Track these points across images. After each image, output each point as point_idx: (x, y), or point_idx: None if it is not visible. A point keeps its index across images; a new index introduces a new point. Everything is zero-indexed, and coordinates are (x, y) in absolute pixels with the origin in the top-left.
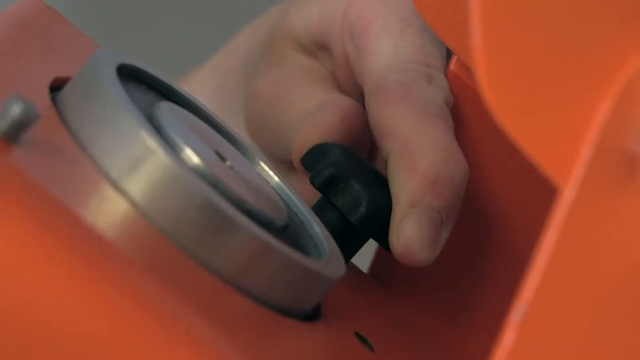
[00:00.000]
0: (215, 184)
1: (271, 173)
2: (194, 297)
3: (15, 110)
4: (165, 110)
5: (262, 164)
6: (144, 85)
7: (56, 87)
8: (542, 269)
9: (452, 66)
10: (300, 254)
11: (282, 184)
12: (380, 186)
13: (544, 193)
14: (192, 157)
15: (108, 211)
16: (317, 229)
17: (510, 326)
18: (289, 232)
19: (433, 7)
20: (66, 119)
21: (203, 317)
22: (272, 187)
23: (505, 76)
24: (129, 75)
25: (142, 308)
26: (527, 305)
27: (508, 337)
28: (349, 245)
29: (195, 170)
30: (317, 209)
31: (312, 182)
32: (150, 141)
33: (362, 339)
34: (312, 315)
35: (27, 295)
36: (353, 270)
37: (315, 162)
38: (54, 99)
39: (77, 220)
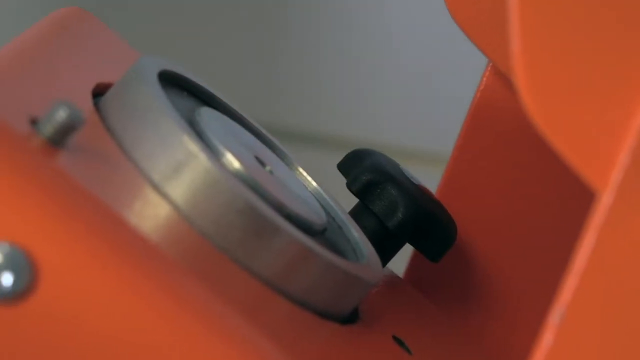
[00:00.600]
0: (256, 188)
1: (309, 178)
2: (236, 300)
3: (61, 115)
4: (206, 115)
5: (300, 170)
6: (185, 92)
7: (98, 92)
8: (579, 272)
9: (486, 73)
10: (339, 257)
11: (319, 189)
12: (415, 192)
13: (578, 197)
14: (233, 161)
15: (151, 215)
16: (355, 233)
17: (548, 328)
18: (327, 236)
19: (468, 14)
20: (109, 124)
21: (247, 320)
22: (310, 192)
23: (544, 82)
24: (170, 81)
25: (190, 311)
26: (565, 308)
27: (546, 339)
28: (385, 250)
29: (236, 174)
30: (354, 214)
31: (349, 188)
32: (192, 146)
33: (399, 342)
34: (350, 319)
35: (76, 298)
36: (389, 274)
37: (351, 168)
38: (96, 104)
39: (123, 223)
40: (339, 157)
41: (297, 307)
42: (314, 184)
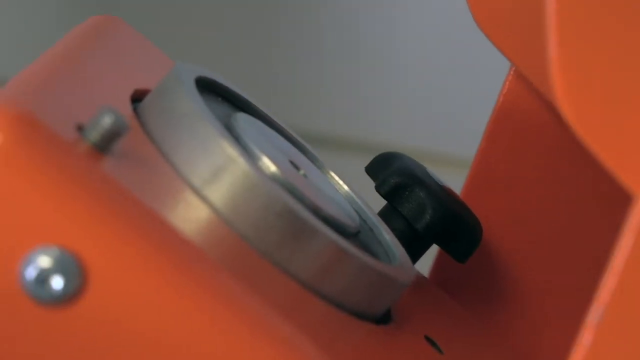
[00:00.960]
0: (293, 192)
1: (340, 182)
2: (275, 302)
3: (107, 121)
4: (241, 120)
5: (332, 173)
6: (219, 97)
7: (136, 98)
8: (618, 272)
9: (509, 77)
10: (374, 259)
11: (351, 192)
12: (442, 194)
13: (601, 197)
14: (270, 165)
15: (192, 218)
16: (386, 236)
17: (587, 328)
18: (360, 238)
19: (492, 19)
20: (148, 130)
21: (287, 321)
22: (341, 195)
23: (581, 86)
24: (205, 87)
25: (236, 312)
26: (604, 308)
27: (585, 339)
28: (413, 251)
29: (273, 178)
30: (382, 216)
31: (377, 191)
32: (231, 151)
33: (431, 342)
34: (383, 319)
35: (124, 301)
36: (416, 275)
37: (379, 171)
38: (134, 110)
39: (169, 227)
40: (361, 161)
41: (333, 308)
42: (346, 187)
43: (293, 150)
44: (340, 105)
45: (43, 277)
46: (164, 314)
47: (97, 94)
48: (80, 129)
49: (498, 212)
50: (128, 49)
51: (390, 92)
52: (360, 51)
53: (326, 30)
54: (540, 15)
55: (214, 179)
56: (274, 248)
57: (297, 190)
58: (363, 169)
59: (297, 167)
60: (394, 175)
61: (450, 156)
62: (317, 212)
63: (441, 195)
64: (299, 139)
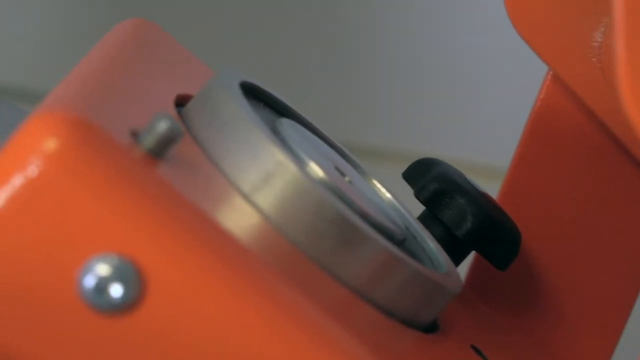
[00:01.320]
0: (342, 198)
1: (383, 189)
2: (327, 308)
3: (162, 126)
4: (286, 126)
5: (374, 180)
6: (261, 103)
7: (177, 103)
8: None
9: (546, 82)
10: (424, 266)
11: (393, 200)
12: (483, 200)
13: None
14: (318, 171)
15: (243, 225)
16: (430, 243)
17: None
18: (406, 245)
19: (529, 22)
20: (194, 135)
21: (345, 329)
22: (385, 202)
23: None
24: (248, 92)
25: (295, 320)
26: None
27: None
28: (452, 258)
29: (322, 184)
30: (421, 223)
31: (417, 197)
32: (281, 156)
33: (477, 351)
34: (430, 328)
35: (184, 308)
36: None
37: (418, 177)
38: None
39: (226, 234)
40: (391, 169)
41: (383, 316)
42: (388, 194)
43: (336, 156)
44: (370, 112)
45: (102, 286)
46: (224, 321)
47: (142, 99)
48: (134, 134)
49: (534, 219)
50: (165, 54)
51: (419, 99)
52: (390, 58)
53: (353, 34)
54: (586, 17)
55: (264, 184)
56: (325, 254)
57: (346, 196)
58: (394, 177)
59: (342, 174)
60: (434, 181)
61: (482, 166)
62: (366, 218)
63: (482, 201)
64: (340, 145)
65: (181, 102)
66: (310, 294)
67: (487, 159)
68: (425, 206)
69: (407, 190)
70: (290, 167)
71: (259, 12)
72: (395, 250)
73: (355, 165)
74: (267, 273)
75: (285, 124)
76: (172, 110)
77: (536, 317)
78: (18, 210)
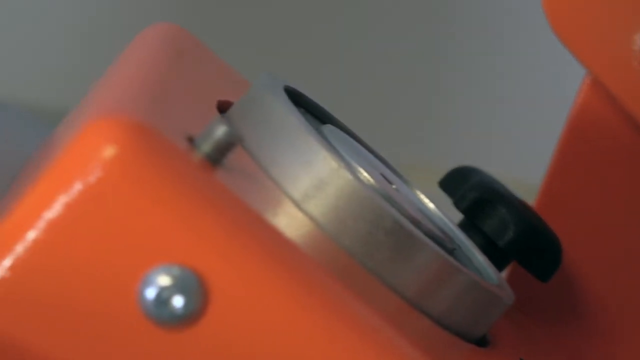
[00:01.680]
0: (395, 206)
1: (425, 200)
2: (386, 319)
3: (221, 132)
4: (331, 133)
5: (417, 190)
6: (302, 109)
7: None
8: None
9: (584, 87)
10: (480, 277)
11: (436, 209)
12: (524, 209)
13: None
14: (369, 179)
15: (298, 233)
16: (477, 254)
17: None
18: (456, 255)
19: (569, 25)
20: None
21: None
22: (430, 211)
23: None
24: (290, 98)
25: (359, 333)
26: None
27: None
28: None
29: (377, 192)
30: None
31: (456, 206)
32: (335, 163)
33: None
34: (481, 341)
35: (247, 319)
36: None
37: (456, 186)
38: None
39: (288, 242)
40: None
41: (438, 327)
42: (431, 204)
43: (380, 164)
44: (401, 126)
45: (163, 298)
46: (287, 332)
47: (187, 104)
48: (190, 140)
49: (572, 228)
50: (196, 59)
51: (452, 111)
52: (421, 71)
53: (389, 50)
54: (627, 20)
55: (318, 192)
56: (382, 263)
57: (399, 205)
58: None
59: (389, 181)
60: (474, 190)
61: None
62: (419, 227)
63: (524, 210)
64: (377, 152)
65: (219, 107)
66: (369, 304)
67: (515, 174)
68: (465, 215)
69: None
70: (345, 174)
71: (293, 15)
72: (452, 259)
73: (396, 173)
74: (330, 283)
75: (329, 130)
76: (215, 115)
77: (575, 328)
78: (77, 219)
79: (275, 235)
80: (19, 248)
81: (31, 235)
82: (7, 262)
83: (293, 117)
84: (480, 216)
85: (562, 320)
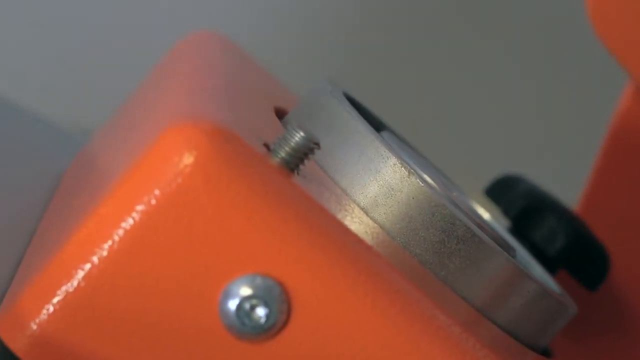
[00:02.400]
0: (465, 213)
1: (478, 206)
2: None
3: (297, 138)
4: (390, 139)
5: (467, 196)
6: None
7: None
8: None
9: (626, 96)
10: (548, 286)
11: (489, 215)
12: (574, 217)
13: None
14: (436, 186)
15: (370, 241)
16: (535, 265)
17: None
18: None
19: (613, 31)
20: None
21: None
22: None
23: None
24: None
25: (440, 341)
26: None
27: None
28: None
29: (447, 199)
30: None
31: (504, 214)
32: (405, 170)
33: None
34: (545, 352)
35: (330, 329)
36: None
37: (502, 194)
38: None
39: (371, 251)
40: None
41: (507, 335)
42: (485, 211)
43: (434, 170)
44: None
45: (245, 309)
46: (371, 341)
47: (250, 110)
48: (267, 146)
49: (614, 238)
50: (244, 65)
51: (482, 116)
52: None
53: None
54: None
55: (388, 200)
56: (453, 271)
57: (464, 211)
58: None
59: (449, 188)
60: (522, 198)
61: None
62: (487, 235)
63: (573, 219)
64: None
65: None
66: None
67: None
68: (513, 224)
69: None
70: (416, 181)
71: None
72: (523, 268)
73: (448, 179)
74: (411, 291)
75: (389, 137)
76: (277, 122)
77: (622, 337)
78: (155, 227)
79: (357, 243)
80: (95, 258)
81: (107, 245)
82: (84, 272)
83: (360, 124)
84: (529, 224)
85: (609, 330)
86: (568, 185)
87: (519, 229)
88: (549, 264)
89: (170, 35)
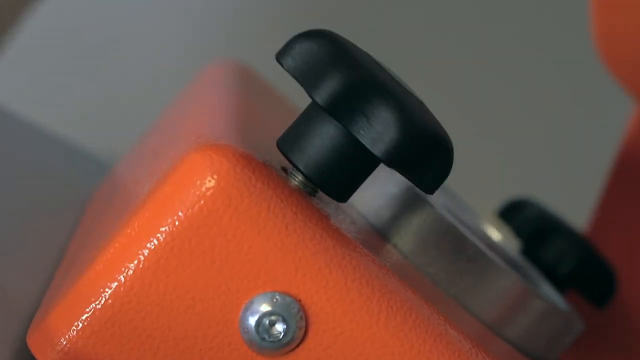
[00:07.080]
0: (475, 234)
1: (487, 226)
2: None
3: None
4: None
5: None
6: None
7: None
8: None
9: (632, 124)
10: (557, 304)
11: (498, 235)
12: (583, 238)
13: None
14: (443, 208)
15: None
16: (544, 284)
17: None
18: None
19: (620, 59)
20: None
21: None
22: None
23: None
24: None
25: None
26: None
27: None
28: None
29: (456, 220)
30: None
31: (516, 236)
32: (414, 193)
33: None
34: None
35: (346, 347)
36: None
37: (514, 217)
38: None
39: (387, 271)
40: None
41: (517, 351)
42: (498, 234)
43: (449, 194)
44: None
45: (265, 325)
46: (385, 357)
47: (267, 134)
48: (285, 170)
49: (623, 259)
50: (259, 91)
51: (488, 144)
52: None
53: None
54: None
55: (403, 223)
56: (464, 290)
57: (476, 233)
58: None
59: (459, 211)
60: (533, 222)
61: None
62: (497, 254)
63: (581, 241)
64: None
65: None
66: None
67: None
68: (525, 244)
69: None
70: (428, 204)
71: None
72: (531, 286)
73: (462, 203)
74: (426, 310)
75: None
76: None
77: (629, 352)
78: (179, 248)
79: (371, 262)
80: (122, 277)
81: (133, 264)
82: (111, 290)
83: None
84: (540, 246)
85: (616, 345)
86: (577, 208)
87: (530, 250)
88: (559, 283)
89: (193, 63)
